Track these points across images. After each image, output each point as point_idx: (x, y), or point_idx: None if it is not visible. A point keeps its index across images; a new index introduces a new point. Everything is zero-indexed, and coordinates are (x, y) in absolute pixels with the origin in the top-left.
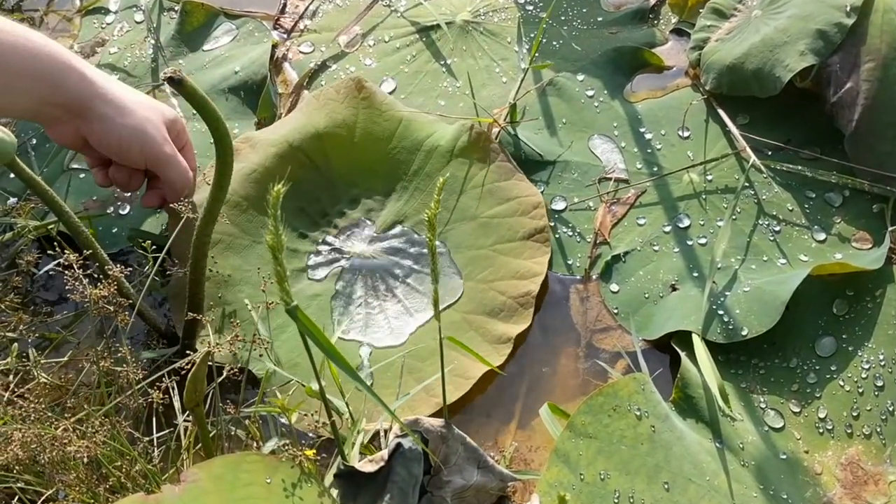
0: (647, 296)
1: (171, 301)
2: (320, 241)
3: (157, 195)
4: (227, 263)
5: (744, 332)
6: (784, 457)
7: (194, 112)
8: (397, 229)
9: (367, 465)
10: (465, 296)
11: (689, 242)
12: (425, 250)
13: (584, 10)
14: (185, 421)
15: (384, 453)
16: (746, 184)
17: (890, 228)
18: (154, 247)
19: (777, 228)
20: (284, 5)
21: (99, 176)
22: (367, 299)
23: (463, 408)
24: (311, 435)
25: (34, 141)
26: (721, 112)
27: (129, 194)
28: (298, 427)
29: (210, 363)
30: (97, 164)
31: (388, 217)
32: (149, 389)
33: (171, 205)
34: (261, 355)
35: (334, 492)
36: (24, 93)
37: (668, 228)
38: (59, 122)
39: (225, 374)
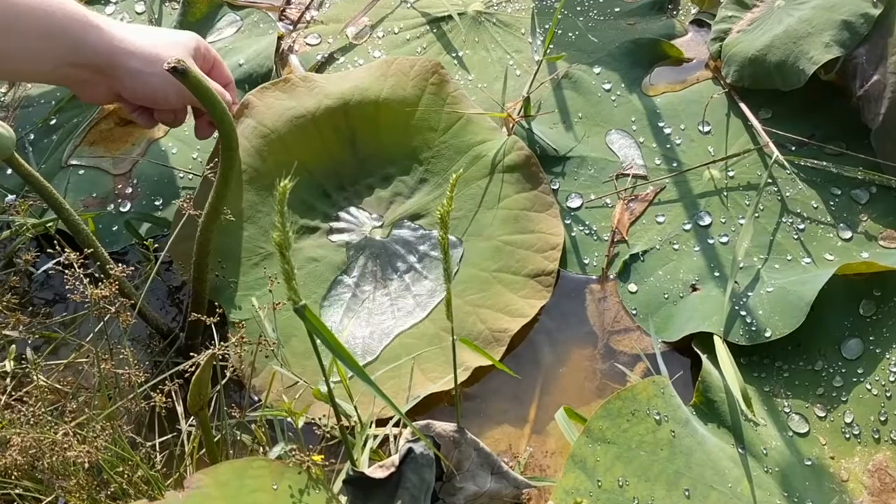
0: (666, 296)
1: (174, 258)
2: (341, 207)
3: (207, 122)
4: (245, 196)
5: (767, 334)
6: (809, 463)
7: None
8: (414, 222)
9: (377, 471)
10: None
11: (710, 241)
12: (433, 252)
13: (601, 1)
14: (188, 425)
15: (395, 458)
16: (769, 180)
17: None
18: (157, 245)
19: (801, 226)
20: None
21: (143, 118)
22: (359, 282)
23: (477, 411)
24: (318, 439)
25: (32, 136)
26: (743, 106)
27: (129, 191)
28: (309, 426)
29: (214, 364)
30: (136, 108)
31: (411, 207)
32: (151, 392)
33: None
34: (266, 357)
35: (343, 498)
36: (46, 55)
37: (688, 226)
38: (87, 84)
39: (229, 376)
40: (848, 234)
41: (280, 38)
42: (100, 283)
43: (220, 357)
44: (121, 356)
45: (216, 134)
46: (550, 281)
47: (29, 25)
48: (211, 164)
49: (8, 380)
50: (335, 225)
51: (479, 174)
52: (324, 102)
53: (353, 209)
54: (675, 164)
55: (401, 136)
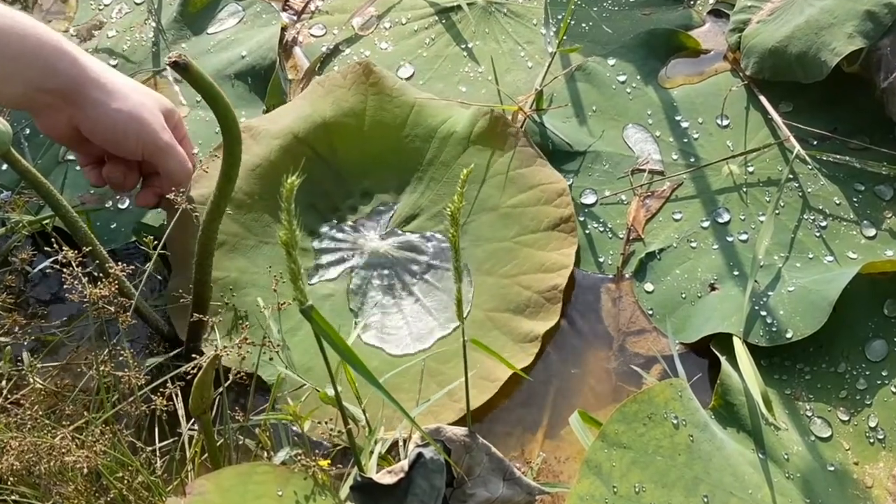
0: (684, 296)
1: (170, 305)
2: (331, 238)
3: (153, 193)
4: (232, 266)
5: (788, 335)
6: (832, 468)
7: (198, 100)
8: (413, 224)
9: (385, 477)
10: (487, 292)
11: (730, 238)
12: (444, 245)
13: None
14: (190, 429)
15: (404, 464)
16: (790, 176)
17: None
18: (156, 242)
19: (823, 224)
20: None
21: (92, 175)
22: (383, 300)
23: (488, 415)
24: (325, 444)
25: (27, 131)
26: (763, 99)
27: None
28: (312, 436)
29: (217, 367)
30: (90, 161)
31: (403, 210)
32: (152, 396)
33: (168, 196)
34: (271, 359)
35: None
36: (14, 78)
37: (706, 224)
38: (50, 110)
39: (232, 378)
40: (872, 232)
41: (284, 29)
42: (98, 283)
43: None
44: (120, 358)
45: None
46: (572, 226)
47: (1, 48)
48: (202, 160)
49: (3, 382)
50: (333, 257)
51: (455, 153)
52: (273, 144)
53: (343, 235)
54: (692, 159)
55: (362, 148)
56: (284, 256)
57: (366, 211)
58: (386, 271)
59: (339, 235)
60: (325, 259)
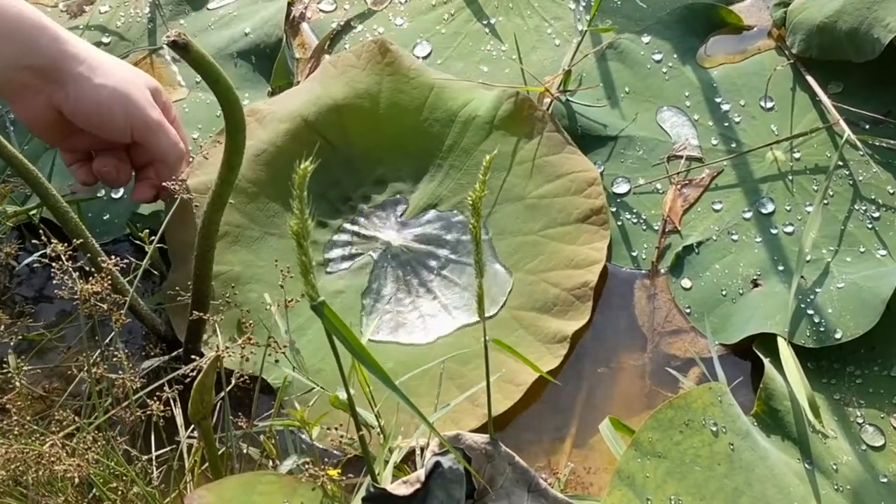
0: (724, 293)
1: (167, 303)
2: (343, 230)
3: (149, 185)
4: (235, 259)
5: (837, 335)
6: (885, 480)
7: (198, 80)
8: (431, 213)
9: (400, 488)
10: (514, 289)
11: (774, 231)
12: (464, 237)
13: None
14: (189, 437)
15: (420, 474)
16: (840, 162)
17: None
18: (153, 238)
19: (876, 214)
20: None
21: (81, 173)
22: (398, 295)
23: (512, 421)
24: (335, 452)
25: (13, 115)
26: (810, 79)
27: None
28: (321, 443)
29: (218, 370)
30: (76, 158)
31: (421, 200)
32: (147, 400)
33: (166, 185)
34: (277, 361)
35: None
36: None
37: (748, 214)
38: (28, 92)
39: (234, 382)
40: None
41: (290, 3)
42: (90, 278)
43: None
44: (113, 360)
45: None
46: (604, 218)
47: None
48: (202, 146)
49: None
50: (346, 251)
51: (477, 139)
52: (280, 128)
53: (356, 227)
54: (733, 145)
55: (376, 132)
56: (294, 248)
57: (379, 200)
58: (401, 266)
59: (351, 227)
60: (336, 253)
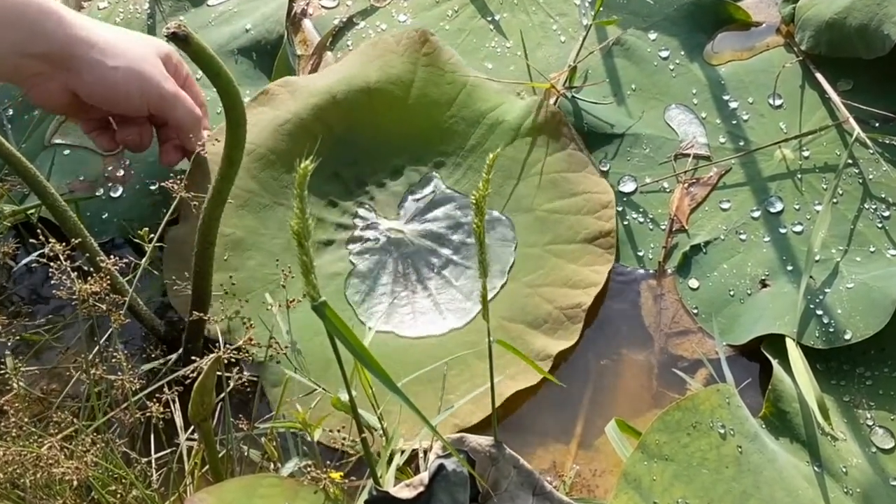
0: (732, 293)
1: (166, 261)
2: (352, 213)
3: (174, 148)
4: (240, 223)
5: (847, 336)
6: (895, 483)
7: (199, 76)
8: (441, 211)
9: (403, 491)
10: (507, 298)
11: (782, 230)
12: (469, 239)
13: None
14: (189, 439)
15: (424, 476)
16: (850, 161)
17: None
18: (152, 236)
19: (886, 213)
20: None
21: (104, 140)
22: (395, 287)
23: (516, 423)
24: (337, 454)
25: (10, 112)
26: (819, 76)
27: (121, 174)
28: (324, 441)
29: (219, 371)
30: (94, 127)
31: (434, 196)
32: (147, 402)
33: (196, 143)
34: (278, 362)
35: None
36: None
37: (756, 214)
38: (41, 79)
39: (233, 383)
40: None
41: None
42: (89, 278)
43: (227, 361)
44: (112, 361)
45: (218, 143)
46: (611, 242)
47: None
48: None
49: None
50: (349, 233)
51: (500, 143)
52: (309, 102)
53: (366, 212)
54: (741, 143)
55: (402, 121)
56: (295, 248)
57: (394, 189)
58: (402, 258)
59: (360, 211)
60: (341, 235)
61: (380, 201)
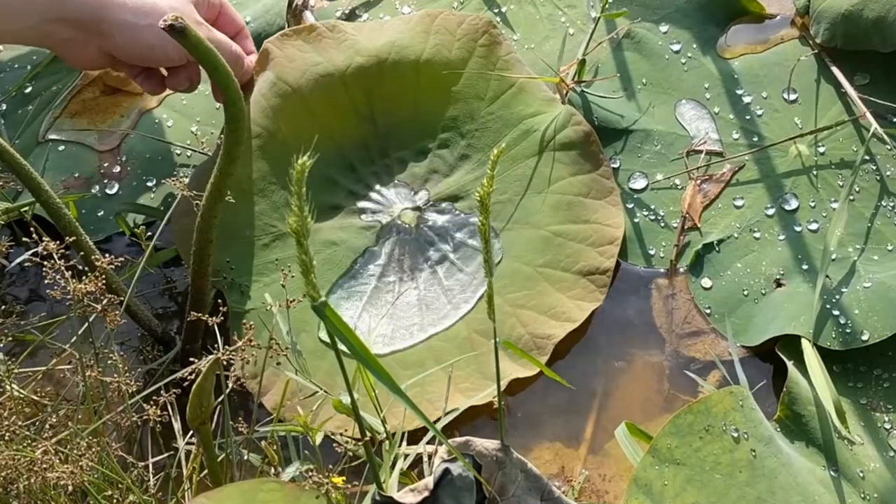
0: (746, 293)
1: (174, 225)
2: (365, 184)
3: (185, 77)
4: (255, 165)
5: (864, 337)
6: None
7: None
8: (451, 205)
9: (407, 496)
10: (483, 311)
11: (798, 228)
12: (470, 240)
13: None
14: (187, 443)
15: (428, 481)
16: (867, 157)
17: None
18: (150, 233)
19: None
20: None
21: (152, 84)
22: (385, 273)
23: (523, 427)
24: (339, 457)
25: (4, 106)
26: (835, 70)
27: (117, 171)
28: (328, 443)
29: (218, 373)
30: (139, 72)
31: (449, 186)
32: (144, 405)
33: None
34: (279, 363)
35: None
36: (26, 10)
37: (771, 211)
38: (73, 45)
39: (233, 385)
40: None
41: None
42: (84, 277)
43: (226, 363)
44: (108, 362)
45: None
46: (605, 281)
47: None
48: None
49: None
50: (360, 204)
51: (528, 151)
52: (355, 60)
53: (381, 187)
54: (755, 139)
55: (442, 104)
56: (294, 246)
57: (414, 170)
58: (400, 244)
59: (374, 185)
60: (349, 204)
61: (399, 180)
